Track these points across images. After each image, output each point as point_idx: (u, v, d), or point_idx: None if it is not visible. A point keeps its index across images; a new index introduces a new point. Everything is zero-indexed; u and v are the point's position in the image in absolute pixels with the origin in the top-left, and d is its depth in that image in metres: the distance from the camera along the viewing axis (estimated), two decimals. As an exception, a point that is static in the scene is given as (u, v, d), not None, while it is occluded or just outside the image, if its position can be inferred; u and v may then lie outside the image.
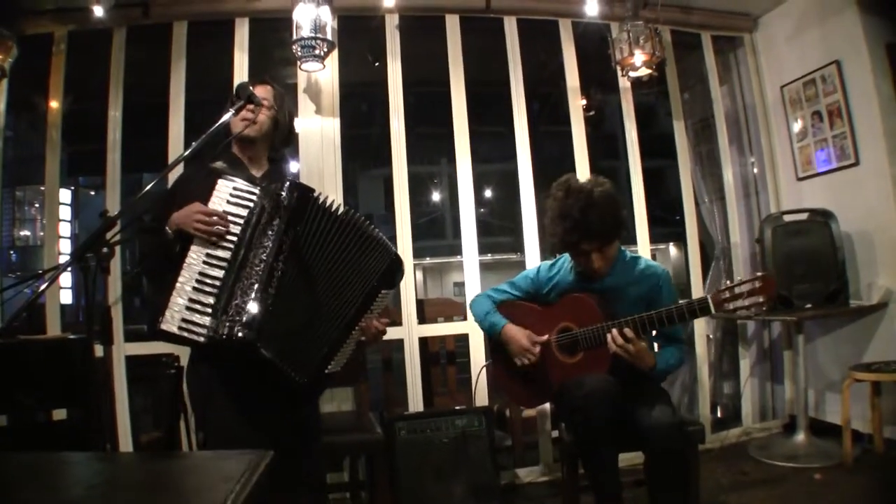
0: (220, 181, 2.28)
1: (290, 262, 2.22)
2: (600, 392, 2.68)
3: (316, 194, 2.33)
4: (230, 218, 2.23)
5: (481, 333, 3.99)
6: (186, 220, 2.19)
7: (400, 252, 4.01)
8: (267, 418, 2.29)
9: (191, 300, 2.13)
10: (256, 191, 2.28)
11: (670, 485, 2.67)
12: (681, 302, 2.79)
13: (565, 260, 3.20)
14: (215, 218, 2.19)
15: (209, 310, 2.12)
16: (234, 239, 2.21)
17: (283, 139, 2.67)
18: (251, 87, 2.41)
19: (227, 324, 2.10)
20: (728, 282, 2.69)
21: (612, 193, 2.89)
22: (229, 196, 2.25)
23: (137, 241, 2.34)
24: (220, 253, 2.19)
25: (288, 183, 2.31)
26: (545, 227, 3.05)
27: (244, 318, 2.11)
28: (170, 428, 2.96)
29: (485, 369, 3.88)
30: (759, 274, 2.64)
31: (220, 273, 2.17)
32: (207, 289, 2.15)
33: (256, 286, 2.15)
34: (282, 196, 2.26)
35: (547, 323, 3.07)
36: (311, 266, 2.27)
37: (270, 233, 2.21)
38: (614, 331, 2.74)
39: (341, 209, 2.35)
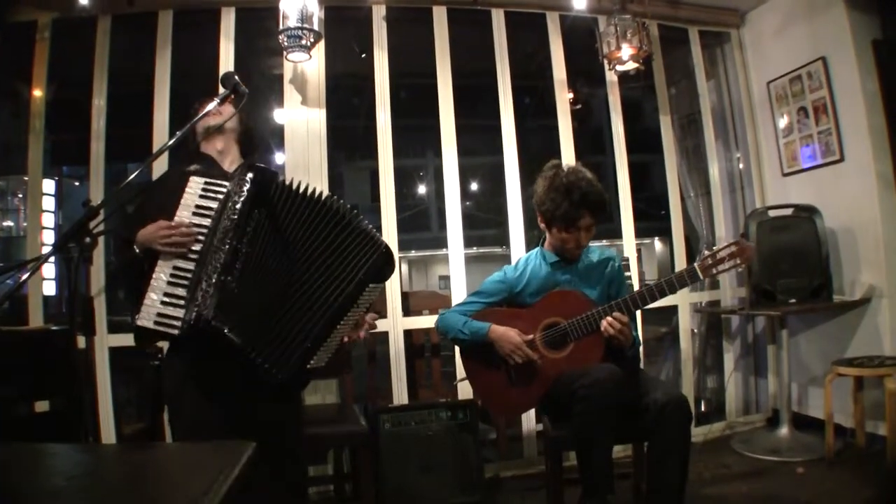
0: (192, 178, 2.27)
1: (256, 244, 2.21)
2: (608, 381, 2.68)
3: (280, 176, 2.32)
4: (203, 211, 2.22)
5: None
6: (151, 238, 2.17)
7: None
8: (240, 415, 2.26)
9: (166, 294, 2.13)
10: (227, 183, 2.27)
11: (674, 465, 2.68)
12: (673, 273, 2.90)
13: (531, 257, 3.26)
14: (180, 230, 2.17)
15: (182, 302, 2.13)
16: (206, 231, 2.21)
17: (248, 143, 2.64)
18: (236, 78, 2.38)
19: (195, 310, 2.11)
20: (707, 251, 2.90)
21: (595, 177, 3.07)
22: (201, 191, 2.25)
23: (114, 258, 2.29)
24: (193, 246, 2.20)
25: (251, 165, 2.31)
26: (539, 204, 3.07)
27: (208, 301, 2.11)
28: (152, 419, 2.96)
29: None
30: (733, 240, 2.85)
31: (192, 265, 2.17)
32: (181, 281, 2.15)
33: (219, 269, 2.15)
34: (245, 179, 2.26)
35: (528, 323, 3.06)
36: (280, 247, 2.25)
37: (234, 215, 2.21)
38: (609, 318, 2.83)
39: (311, 190, 2.31)
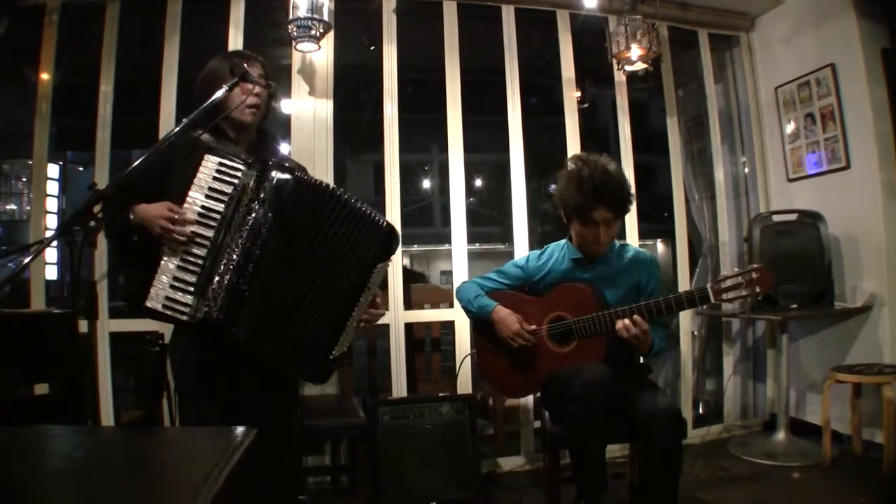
0: (206, 156, 2.21)
1: (269, 247, 2.19)
2: (599, 382, 2.68)
3: (298, 175, 2.28)
4: (216, 195, 2.19)
5: (467, 321, 3.98)
6: (153, 221, 2.13)
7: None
8: (244, 401, 2.27)
9: (175, 278, 2.13)
10: (242, 166, 2.22)
11: (664, 473, 2.67)
12: (681, 291, 2.83)
13: (556, 248, 3.23)
14: (184, 231, 2.13)
15: (191, 288, 2.13)
16: (219, 217, 2.18)
17: (265, 125, 2.61)
18: (245, 65, 2.35)
19: (205, 308, 2.12)
20: (726, 272, 2.74)
21: (622, 170, 3.04)
22: (215, 173, 2.20)
23: (104, 215, 2.08)
24: (203, 231, 2.17)
25: (271, 162, 2.27)
26: (557, 195, 3.07)
27: (219, 302, 2.13)
28: (152, 406, 2.95)
29: (469, 358, 3.89)
30: (756, 265, 2.67)
31: (203, 252, 2.16)
32: (191, 267, 2.14)
33: (232, 270, 2.15)
34: (263, 176, 2.23)
35: (538, 312, 3.07)
36: (293, 249, 2.23)
37: (250, 218, 2.19)
38: (626, 320, 2.75)
39: (326, 188, 2.27)
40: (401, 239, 2.39)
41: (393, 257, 2.43)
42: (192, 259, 2.15)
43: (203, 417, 2.28)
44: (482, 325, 3.21)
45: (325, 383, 2.48)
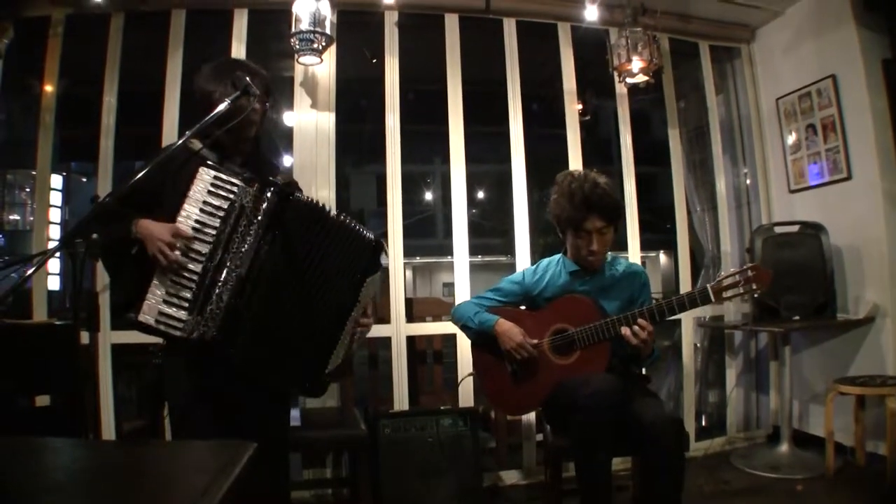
0: (201, 169, 2.19)
1: (267, 269, 2.20)
2: (606, 391, 2.68)
3: (296, 197, 2.28)
4: (211, 210, 2.17)
5: (469, 333, 3.98)
6: (155, 243, 2.10)
7: (391, 250, 4.03)
8: (239, 422, 2.27)
9: (168, 293, 2.11)
10: (238, 182, 2.20)
11: (667, 482, 2.65)
12: (683, 293, 2.91)
13: (551, 263, 3.26)
14: (179, 259, 2.11)
15: (186, 304, 2.12)
16: (214, 233, 2.17)
17: (262, 138, 2.61)
18: (247, 78, 2.32)
19: (203, 327, 2.11)
20: (722, 272, 2.87)
21: (610, 182, 3.08)
22: (210, 187, 2.18)
23: (95, 223, 2.00)
24: (198, 247, 2.16)
25: (268, 184, 2.24)
26: (551, 212, 3.13)
27: (218, 322, 2.13)
28: (153, 417, 2.95)
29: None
30: (752, 264, 2.81)
31: (198, 267, 2.14)
32: (185, 283, 2.13)
33: (230, 292, 2.15)
34: (261, 198, 2.21)
35: (537, 325, 3.07)
36: (290, 271, 2.24)
37: (249, 238, 2.18)
38: (634, 326, 2.80)
39: (321, 208, 2.30)
40: (402, 258, 2.39)
41: (388, 262, 2.44)
42: (186, 275, 2.14)
43: (191, 428, 2.27)
44: (483, 341, 3.19)
45: (321, 397, 2.48)
